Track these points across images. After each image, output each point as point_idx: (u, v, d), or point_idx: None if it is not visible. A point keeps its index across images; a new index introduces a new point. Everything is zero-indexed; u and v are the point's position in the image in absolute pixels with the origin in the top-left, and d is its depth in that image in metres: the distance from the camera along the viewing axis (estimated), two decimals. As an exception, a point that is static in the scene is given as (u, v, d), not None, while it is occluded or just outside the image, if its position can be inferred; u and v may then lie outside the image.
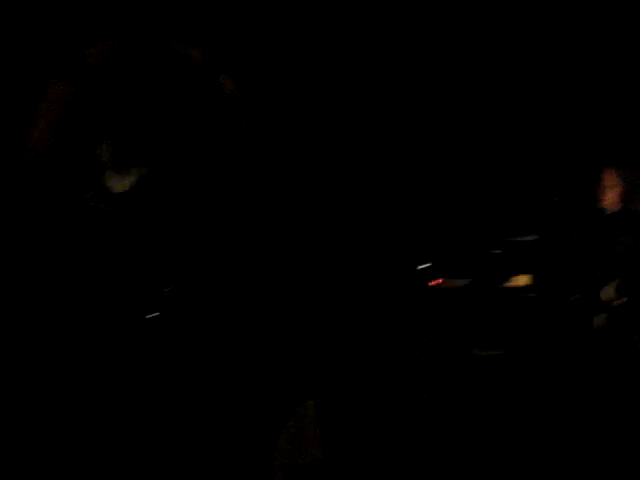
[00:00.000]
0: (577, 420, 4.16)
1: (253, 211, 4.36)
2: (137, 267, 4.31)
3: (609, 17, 4.44)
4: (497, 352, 4.60)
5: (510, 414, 4.38)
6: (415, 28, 4.61)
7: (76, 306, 4.11)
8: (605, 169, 3.97)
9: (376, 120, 4.60)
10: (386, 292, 4.32)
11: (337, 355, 4.04)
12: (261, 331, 4.32)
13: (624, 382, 3.89)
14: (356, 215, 4.44)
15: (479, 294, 4.65)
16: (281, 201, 4.42)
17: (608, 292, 3.83)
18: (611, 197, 3.92)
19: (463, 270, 4.67)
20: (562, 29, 4.59)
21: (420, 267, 4.50)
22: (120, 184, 4.39)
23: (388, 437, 3.89)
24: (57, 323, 4.09)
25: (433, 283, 4.61)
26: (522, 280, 4.65)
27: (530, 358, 4.50)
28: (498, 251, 4.67)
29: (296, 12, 4.61)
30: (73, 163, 4.26)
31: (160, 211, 4.36)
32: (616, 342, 3.84)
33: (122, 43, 4.34)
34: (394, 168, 4.50)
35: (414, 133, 4.65)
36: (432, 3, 4.60)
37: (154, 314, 4.36)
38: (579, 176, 4.52)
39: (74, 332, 4.08)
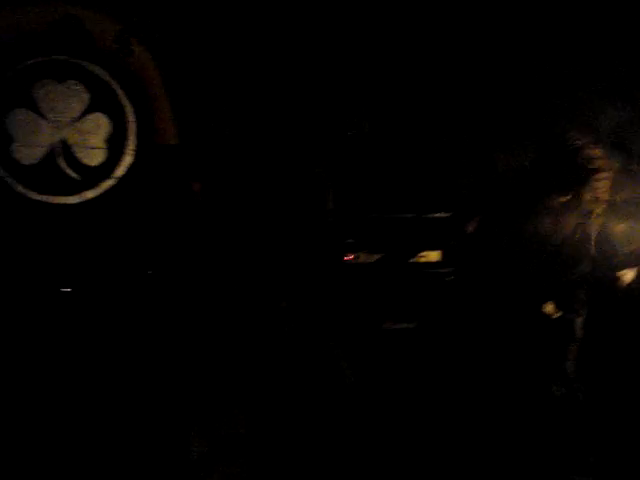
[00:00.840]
0: (484, 392, 4.30)
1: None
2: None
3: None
4: (408, 326, 4.72)
5: (419, 386, 4.50)
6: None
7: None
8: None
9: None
10: (300, 266, 4.34)
11: (258, 334, 4.03)
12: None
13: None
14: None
15: (391, 268, 4.74)
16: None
17: (549, 307, 3.97)
18: None
19: (376, 245, 4.76)
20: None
21: (336, 242, 4.55)
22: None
23: (310, 413, 3.92)
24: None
25: (347, 258, 4.68)
26: (433, 256, 4.77)
27: (440, 332, 4.63)
28: (410, 227, 4.78)
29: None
30: None
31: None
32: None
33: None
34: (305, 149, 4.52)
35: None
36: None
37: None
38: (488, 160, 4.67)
39: None
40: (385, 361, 4.57)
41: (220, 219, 4.28)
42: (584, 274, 3.97)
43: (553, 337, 3.91)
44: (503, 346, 4.13)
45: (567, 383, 3.93)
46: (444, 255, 4.78)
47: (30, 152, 4.35)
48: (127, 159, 4.50)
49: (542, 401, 3.88)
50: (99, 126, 4.48)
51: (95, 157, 4.47)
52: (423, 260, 4.80)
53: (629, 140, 4.24)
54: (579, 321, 3.93)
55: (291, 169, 4.15)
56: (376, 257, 4.73)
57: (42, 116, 4.38)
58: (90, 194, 4.45)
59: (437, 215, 4.82)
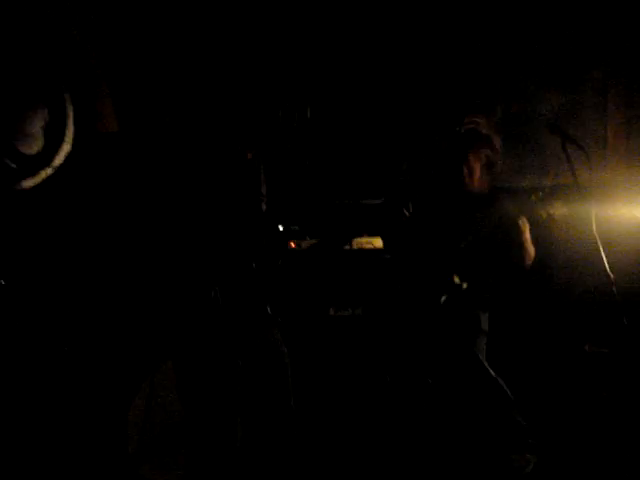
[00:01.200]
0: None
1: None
2: None
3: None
4: (350, 312, 4.72)
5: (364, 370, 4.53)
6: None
7: None
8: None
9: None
10: (245, 249, 4.31)
11: (192, 314, 3.99)
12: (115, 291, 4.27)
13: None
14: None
15: (333, 255, 4.74)
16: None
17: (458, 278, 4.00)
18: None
19: (322, 231, 4.75)
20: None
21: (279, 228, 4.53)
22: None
23: (246, 392, 3.89)
24: None
25: (291, 245, 4.67)
26: (378, 242, 4.77)
27: (382, 318, 4.63)
28: (356, 213, 4.79)
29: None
30: None
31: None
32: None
33: None
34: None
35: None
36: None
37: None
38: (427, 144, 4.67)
39: None
40: (328, 348, 4.58)
41: (153, 206, 4.24)
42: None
43: (463, 329, 3.96)
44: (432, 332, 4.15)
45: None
46: (383, 242, 4.78)
47: (-35, 141, 4.29)
48: (66, 147, 4.45)
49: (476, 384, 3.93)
50: (36, 114, 4.42)
51: (33, 146, 4.41)
52: (369, 247, 4.81)
53: (566, 124, 4.28)
54: (483, 314, 4.00)
55: (224, 154, 4.10)
56: (321, 244, 4.73)
57: (-23, 104, 4.31)
58: (28, 183, 4.39)
59: (379, 202, 4.82)
